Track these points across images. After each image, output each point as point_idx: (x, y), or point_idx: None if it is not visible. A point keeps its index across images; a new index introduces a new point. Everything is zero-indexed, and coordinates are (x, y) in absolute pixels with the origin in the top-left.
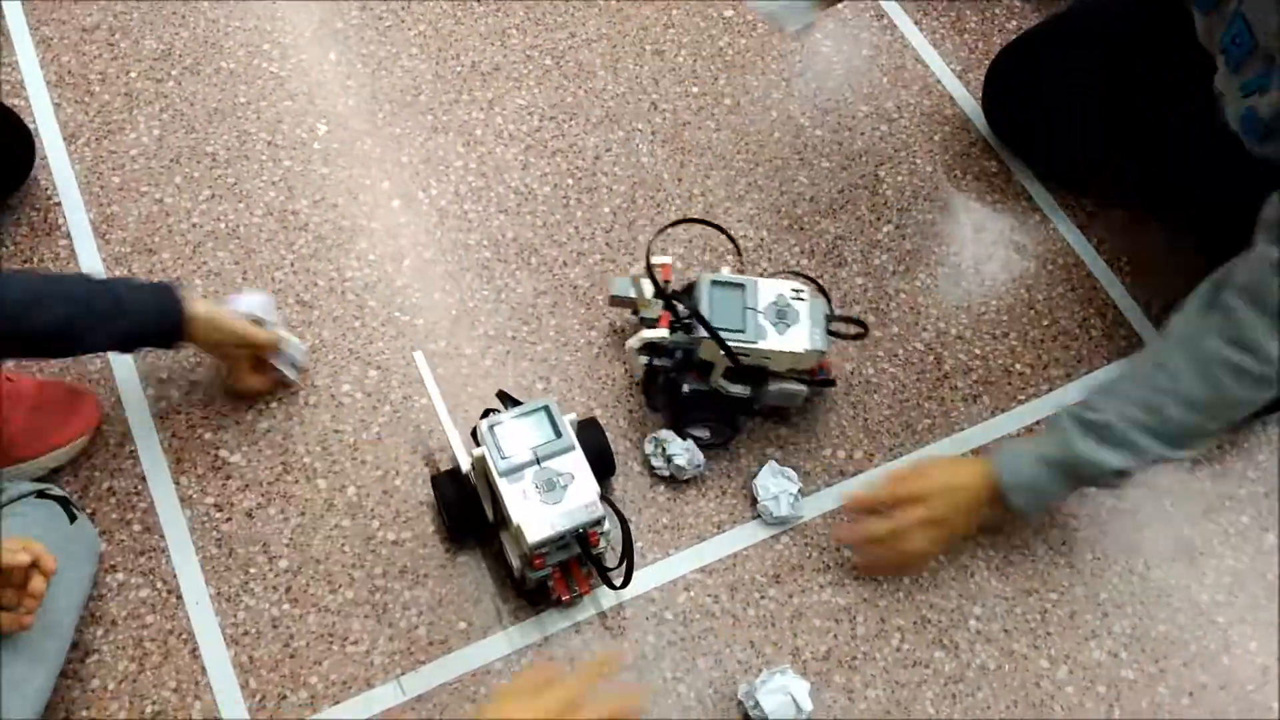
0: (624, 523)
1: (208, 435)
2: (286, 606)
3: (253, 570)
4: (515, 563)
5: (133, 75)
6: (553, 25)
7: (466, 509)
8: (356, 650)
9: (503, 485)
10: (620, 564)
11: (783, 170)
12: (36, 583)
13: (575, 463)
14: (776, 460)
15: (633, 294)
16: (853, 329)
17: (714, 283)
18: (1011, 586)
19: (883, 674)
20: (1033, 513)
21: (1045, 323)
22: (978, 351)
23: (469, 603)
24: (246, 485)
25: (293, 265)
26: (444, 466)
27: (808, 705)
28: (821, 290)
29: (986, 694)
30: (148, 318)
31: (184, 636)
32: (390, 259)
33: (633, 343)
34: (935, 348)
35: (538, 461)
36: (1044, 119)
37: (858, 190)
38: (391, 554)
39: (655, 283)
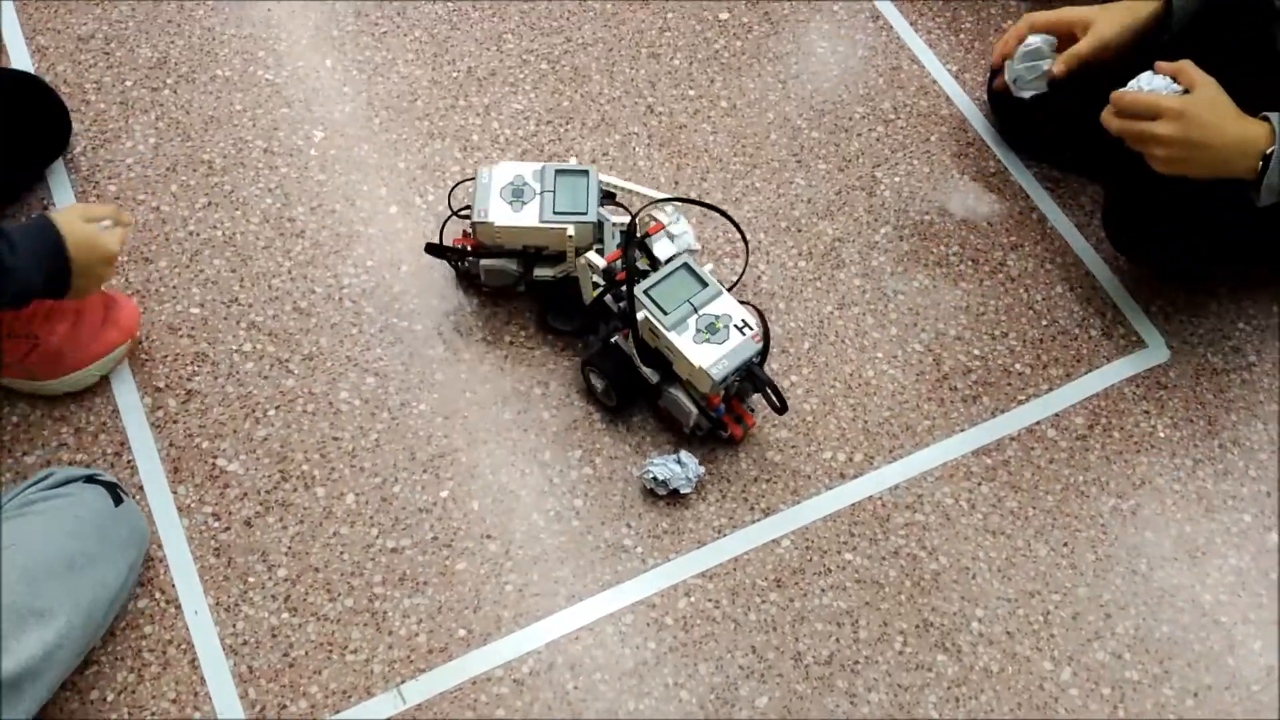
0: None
1: (205, 444)
2: (286, 615)
3: (251, 579)
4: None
5: (129, 84)
6: (548, 30)
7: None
8: (356, 659)
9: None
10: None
11: (780, 173)
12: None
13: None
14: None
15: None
16: (774, 398)
17: (685, 265)
18: (1013, 588)
19: (885, 678)
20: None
21: (1044, 322)
22: (977, 352)
23: (469, 610)
24: (245, 494)
25: (290, 272)
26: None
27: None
28: (765, 345)
29: (990, 697)
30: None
31: (183, 646)
32: (388, 265)
33: (581, 261)
34: (934, 349)
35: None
36: (1051, 111)
37: (855, 192)
38: (391, 562)
39: (631, 233)
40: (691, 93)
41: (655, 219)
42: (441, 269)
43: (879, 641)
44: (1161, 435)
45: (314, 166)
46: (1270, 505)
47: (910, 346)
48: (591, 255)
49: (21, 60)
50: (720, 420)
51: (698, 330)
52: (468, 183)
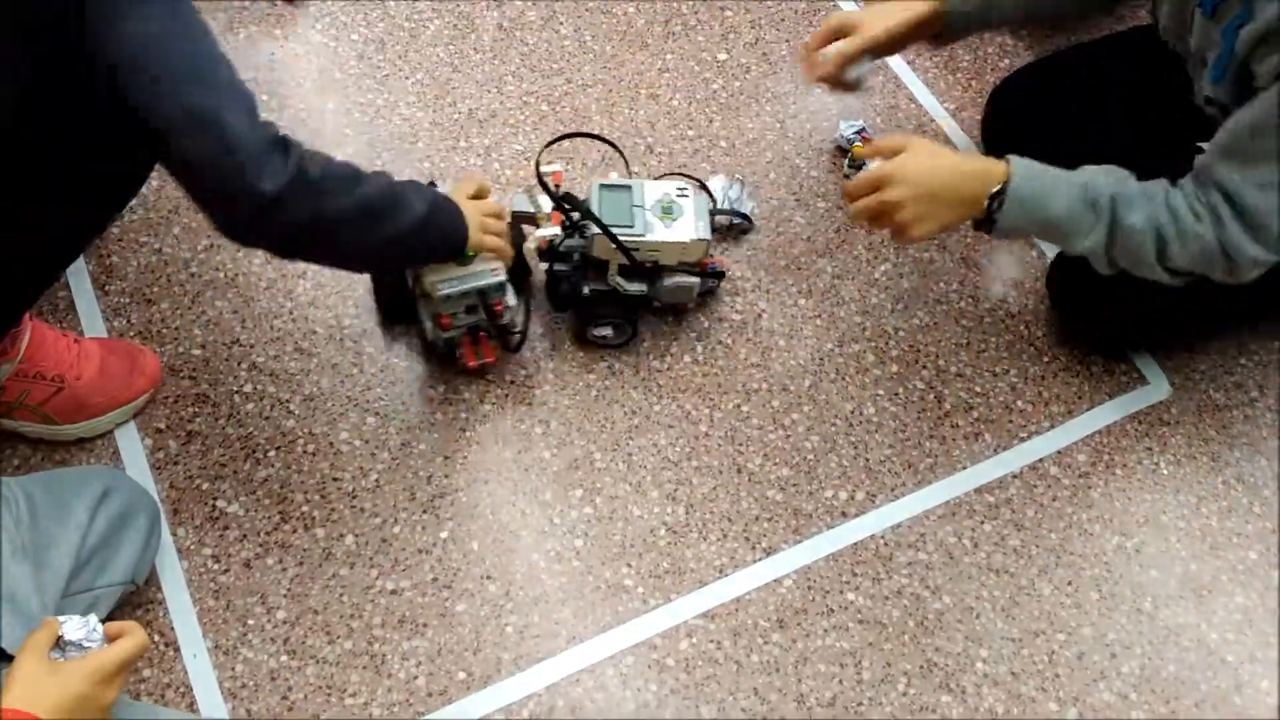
0: (528, 301)
1: (205, 485)
2: (284, 658)
3: (250, 622)
4: (428, 324)
5: None
6: (549, 72)
7: (397, 286)
8: (355, 702)
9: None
10: (520, 332)
11: (779, 211)
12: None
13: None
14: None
15: (530, 208)
16: (739, 221)
17: (602, 186)
18: (1018, 628)
19: None
20: (1012, 224)
21: (1045, 359)
22: (978, 389)
23: (468, 652)
24: (244, 535)
25: (291, 313)
26: None
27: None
28: (704, 188)
29: None
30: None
31: (181, 690)
32: None
33: (530, 244)
34: (935, 386)
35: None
36: (1043, 148)
37: (854, 229)
38: (390, 604)
39: (547, 188)
40: (690, 133)
41: (553, 170)
42: None
43: (882, 683)
44: (1165, 472)
45: None
46: (1275, 542)
47: (911, 384)
48: (540, 231)
49: None
50: (718, 271)
51: (659, 218)
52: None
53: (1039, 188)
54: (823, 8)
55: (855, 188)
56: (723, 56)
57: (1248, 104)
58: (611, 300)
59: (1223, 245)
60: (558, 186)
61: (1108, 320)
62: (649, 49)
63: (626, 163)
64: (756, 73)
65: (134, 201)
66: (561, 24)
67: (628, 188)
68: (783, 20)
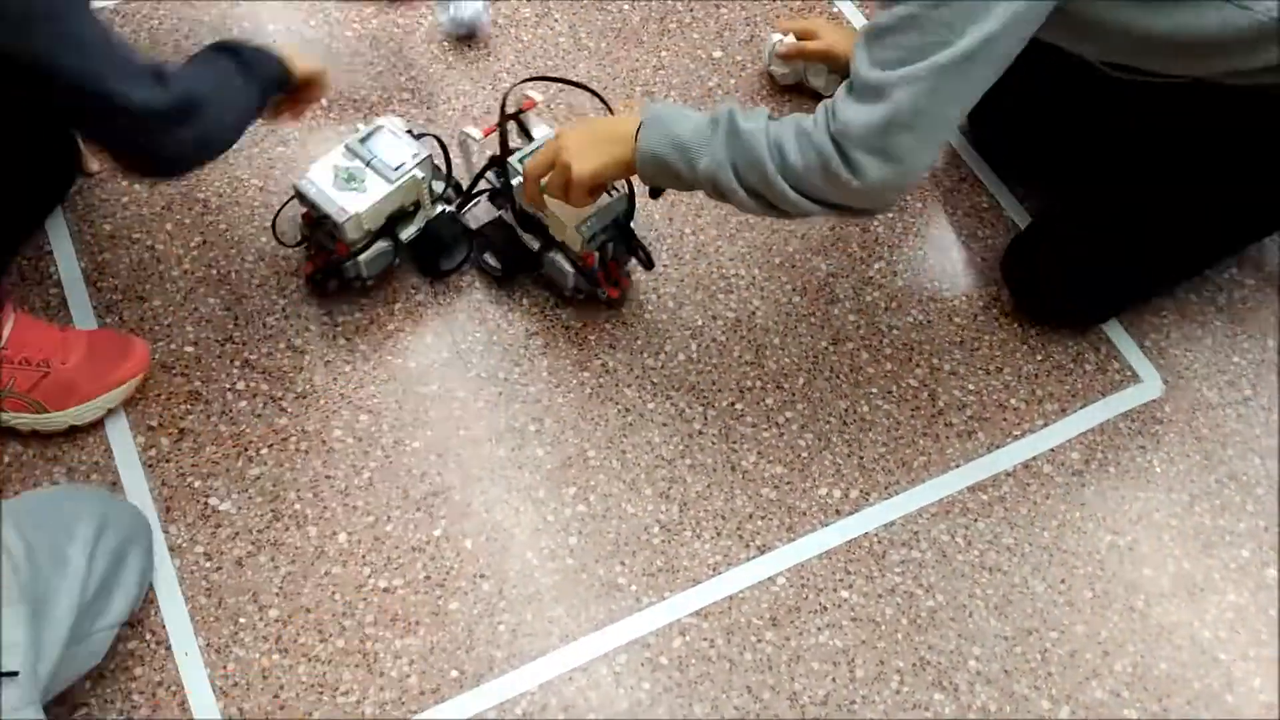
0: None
1: (197, 483)
2: (276, 657)
3: (242, 620)
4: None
5: None
6: (542, 68)
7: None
8: (347, 701)
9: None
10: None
11: None
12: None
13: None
14: None
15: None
16: (641, 255)
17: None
18: (1011, 626)
19: (882, 718)
20: (650, 148)
21: (1039, 357)
22: (971, 387)
23: (461, 650)
24: (236, 533)
25: (284, 310)
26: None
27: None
28: (631, 201)
29: None
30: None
31: (173, 689)
32: (382, 302)
33: (460, 134)
34: (929, 384)
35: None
36: (1027, 130)
37: (849, 227)
38: (383, 601)
39: (503, 108)
40: None
41: (529, 96)
42: (435, 307)
43: (875, 681)
44: (1158, 470)
45: None
46: (1269, 540)
47: (905, 382)
48: (469, 128)
49: None
50: (596, 277)
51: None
52: (287, 209)
53: (671, 113)
54: (817, 4)
55: (528, 172)
56: (718, 54)
57: None
58: (505, 234)
59: (833, 137)
60: (523, 111)
61: (1060, 293)
62: (644, 46)
63: (610, 111)
64: (752, 70)
65: (125, 199)
66: (556, 21)
67: None
68: (777, 18)
